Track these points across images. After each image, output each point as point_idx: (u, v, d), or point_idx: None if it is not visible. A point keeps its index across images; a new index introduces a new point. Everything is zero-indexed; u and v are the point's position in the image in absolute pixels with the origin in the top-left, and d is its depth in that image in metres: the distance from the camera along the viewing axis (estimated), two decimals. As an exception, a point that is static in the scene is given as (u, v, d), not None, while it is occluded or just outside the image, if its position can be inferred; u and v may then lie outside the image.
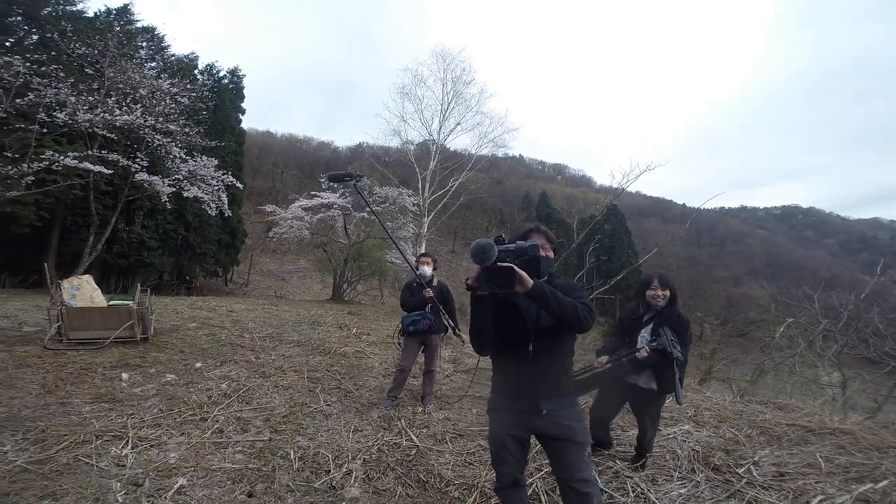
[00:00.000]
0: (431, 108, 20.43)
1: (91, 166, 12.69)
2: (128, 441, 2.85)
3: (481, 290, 1.71)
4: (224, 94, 23.92)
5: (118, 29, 16.26)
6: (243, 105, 26.70)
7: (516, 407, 1.90)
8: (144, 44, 19.04)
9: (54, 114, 12.43)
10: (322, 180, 24.16)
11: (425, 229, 19.36)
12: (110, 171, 13.45)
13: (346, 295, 18.64)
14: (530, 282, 1.64)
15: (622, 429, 3.90)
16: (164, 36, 20.12)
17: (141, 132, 14.36)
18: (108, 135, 13.59)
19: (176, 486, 2.42)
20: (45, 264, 7.14)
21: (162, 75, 16.20)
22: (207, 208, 16.54)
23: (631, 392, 3.08)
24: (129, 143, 15.23)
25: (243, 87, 26.71)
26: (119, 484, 2.37)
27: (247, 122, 27.47)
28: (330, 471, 2.91)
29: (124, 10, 18.48)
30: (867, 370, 11.00)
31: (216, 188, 16.56)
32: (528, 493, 2.64)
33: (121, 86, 14.39)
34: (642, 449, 3.17)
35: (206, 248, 22.04)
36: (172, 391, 3.95)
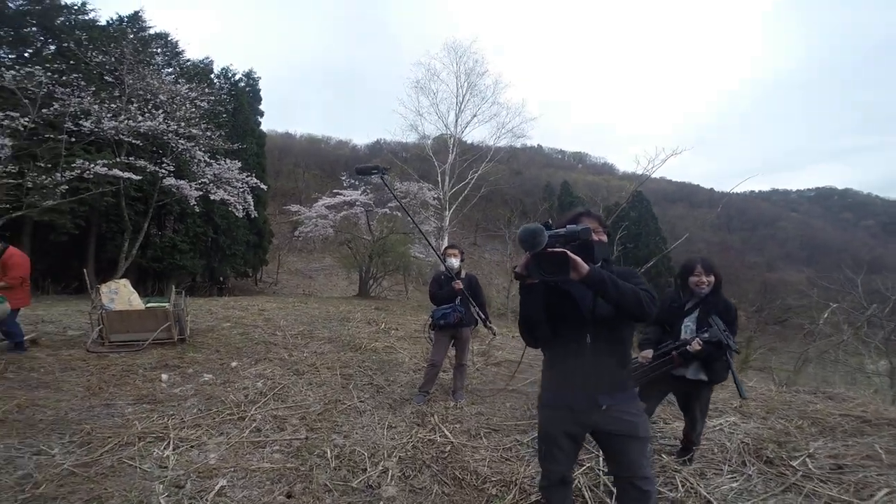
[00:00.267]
0: (447, 102, 20.36)
1: (120, 173, 13.12)
2: (169, 442, 2.90)
3: (531, 278, 1.62)
4: (242, 97, 24.22)
5: (132, 36, 16.68)
6: (261, 107, 27.03)
7: (572, 402, 1.79)
8: (159, 50, 19.35)
9: (80, 122, 12.86)
10: (342, 178, 24.45)
11: (447, 222, 19.31)
12: (139, 178, 13.89)
13: (372, 291, 18.81)
14: (586, 267, 1.52)
15: (664, 421, 3.76)
16: (177, 41, 20.44)
17: (165, 137, 14.74)
18: (133, 141, 14.00)
19: (217, 488, 2.44)
20: (85, 270, 7.40)
21: (179, 80, 16.55)
22: (234, 210, 16.93)
23: (677, 385, 2.92)
24: (154, 148, 15.67)
25: (259, 90, 27.00)
26: (162, 486, 2.41)
27: (266, 125, 27.84)
28: (366, 469, 2.89)
29: (136, 17, 18.77)
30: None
31: (241, 190, 16.92)
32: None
33: (141, 92, 14.78)
34: (689, 442, 3.03)
35: (236, 249, 22.56)
36: (210, 391, 4.02)
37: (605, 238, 1.88)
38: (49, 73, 12.17)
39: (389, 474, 2.87)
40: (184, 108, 15.26)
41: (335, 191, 20.72)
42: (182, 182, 15.19)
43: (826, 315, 10.75)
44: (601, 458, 3.06)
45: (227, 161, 16.95)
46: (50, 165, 12.13)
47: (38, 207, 12.06)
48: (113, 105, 13.50)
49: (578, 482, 2.77)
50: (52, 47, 15.44)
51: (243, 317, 7.89)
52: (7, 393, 3.57)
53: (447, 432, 3.52)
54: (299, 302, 11.81)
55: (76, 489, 2.31)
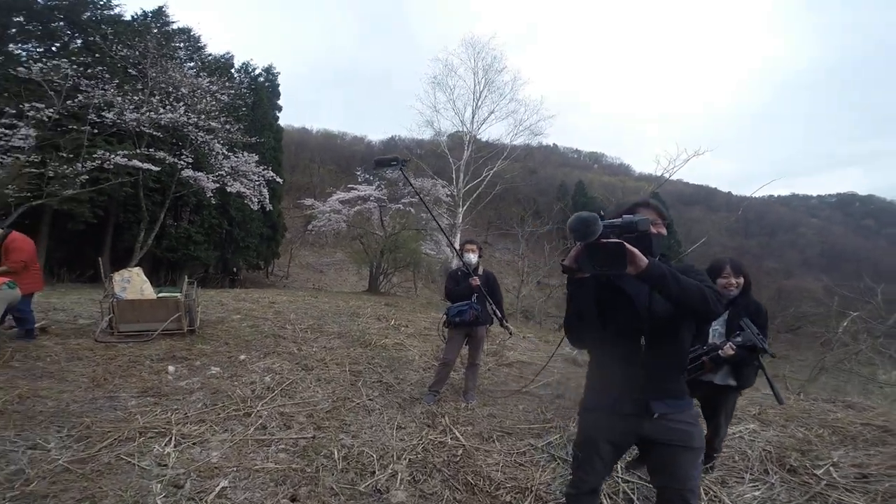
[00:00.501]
0: (463, 98, 20.24)
1: (140, 164, 13.29)
2: (171, 438, 2.80)
3: (582, 271, 1.46)
4: (261, 91, 24.36)
5: (156, 31, 16.90)
6: (279, 102, 27.16)
7: (620, 409, 1.64)
8: (182, 44, 19.56)
9: (103, 114, 13.06)
10: (357, 173, 24.46)
11: (460, 219, 19.19)
12: (158, 169, 14.05)
13: (382, 286, 18.76)
14: (644, 260, 1.37)
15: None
16: (199, 36, 20.68)
17: (185, 130, 14.89)
18: (154, 133, 14.16)
19: (217, 489, 2.32)
20: (100, 259, 7.43)
21: (201, 74, 16.71)
22: (250, 203, 17.04)
23: (703, 390, 2.76)
24: (174, 140, 15.83)
25: (278, 85, 27.11)
26: (159, 486, 2.30)
27: (283, 120, 27.98)
28: (375, 472, 2.76)
29: (159, 13, 19.02)
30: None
31: (257, 183, 17.03)
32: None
33: (163, 85, 14.94)
34: (712, 450, 2.88)
35: (249, 241, 22.73)
36: (217, 384, 3.93)
37: (664, 231, 1.70)
38: (75, 67, 12.42)
39: (398, 478, 2.74)
40: (204, 100, 15.41)
41: (350, 185, 20.73)
42: (200, 174, 15.32)
43: (846, 324, 10.39)
44: (620, 464, 2.93)
45: (245, 154, 17.05)
46: (72, 156, 12.35)
47: (58, 196, 12.25)
48: (135, 97, 13.70)
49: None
50: (79, 41, 15.69)
51: (253, 309, 7.84)
52: (10, 382, 3.50)
53: (458, 435, 3.39)
54: (309, 296, 11.76)
55: (69, 487, 2.21)
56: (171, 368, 4.22)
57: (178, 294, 5.80)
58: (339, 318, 7.94)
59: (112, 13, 16.75)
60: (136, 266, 9.18)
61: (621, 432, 1.67)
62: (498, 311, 4.09)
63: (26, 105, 11.46)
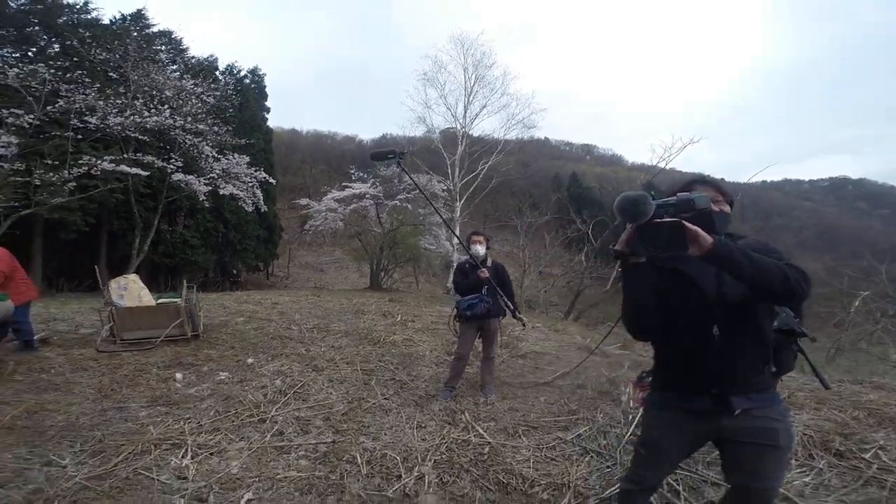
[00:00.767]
0: (455, 94, 20.25)
1: (128, 169, 13.02)
2: (187, 449, 2.67)
3: (636, 255, 1.34)
4: (247, 93, 24.11)
5: (136, 34, 16.57)
6: (267, 104, 26.97)
7: (695, 405, 1.48)
8: (163, 47, 19.25)
9: (86, 119, 12.76)
10: (351, 171, 24.21)
11: (458, 213, 19.12)
12: (147, 173, 13.77)
13: (383, 283, 18.63)
14: (709, 239, 1.22)
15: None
16: (181, 39, 20.34)
17: (172, 133, 14.63)
18: (140, 137, 13.90)
19: (243, 501, 2.21)
20: (97, 267, 7.25)
21: (185, 77, 16.44)
22: (244, 205, 16.83)
23: None
24: (161, 144, 15.56)
25: (265, 86, 26.94)
26: (182, 500, 2.18)
27: (272, 122, 27.81)
28: (401, 476, 2.65)
29: (139, 16, 18.69)
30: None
31: (250, 185, 16.81)
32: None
33: (146, 88, 14.68)
34: None
35: (246, 244, 22.57)
36: (227, 390, 3.81)
37: (727, 209, 1.54)
38: (53, 71, 12.04)
39: (426, 480, 2.63)
40: (190, 103, 15.13)
41: (344, 184, 20.52)
42: (191, 177, 15.07)
43: (857, 303, 10.39)
44: None
45: (236, 156, 16.80)
46: (57, 163, 12.06)
47: (46, 205, 11.99)
48: (118, 101, 13.38)
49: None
50: (56, 46, 15.32)
51: (257, 311, 7.70)
52: (16, 397, 3.36)
53: (482, 431, 3.28)
54: (312, 295, 11.62)
55: (90, 505, 2.09)
56: (178, 375, 4.09)
57: (177, 299, 5.66)
58: (345, 316, 7.81)
59: (89, 17, 16.40)
60: (133, 273, 9.02)
61: (696, 431, 1.54)
62: (510, 303, 3.98)
63: (5, 111, 11.12)
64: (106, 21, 17.38)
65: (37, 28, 14.99)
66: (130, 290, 5.57)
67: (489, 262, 4.06)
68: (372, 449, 2.93)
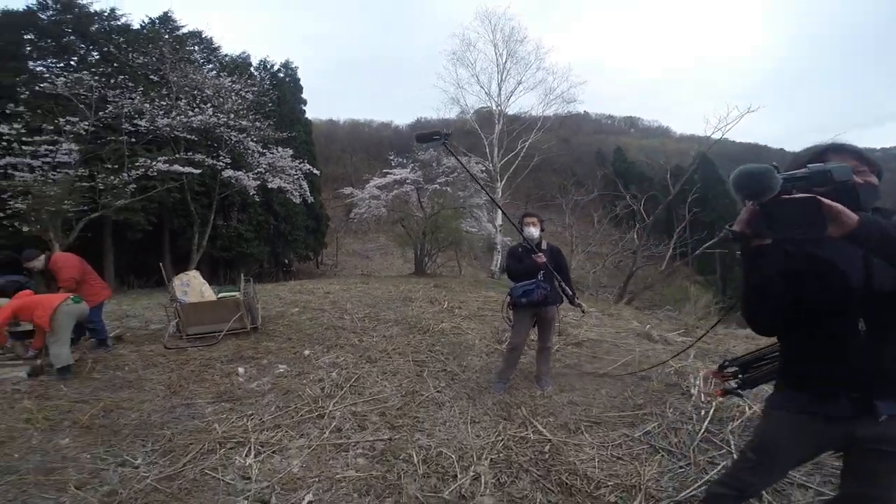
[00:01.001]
0: (487, 72, 19.75)
1: (181, 168, 13.69)
2: (250, 448, 2.75)
3: (760, 237, 1.17)
4: (283, 87, 24.52)
5: (167, 36, 17.10)
6: (303, 96, 27.36)
7: (829, 409, 1.31)
8: (196, 47, 19.74)
9: (136, 122, 13.42)
10: (390, 157, 24.28)
11: (499, 194, 18.77)
12: (199, 171, 14.43)
13: (427, 267, 18.72)
14: (853, 217, 1.02)
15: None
16: (212, 38, 20.85)
17: (217, 131, 15.16)
18: (189, 137, 14.50)
19: (304, 503, 2.23)
20: (161, 264, 7.69)
21: (221, 75, 16.85)
22: (292, 197, 17.34)
23: None
24: (209, 142, 16.19)
25: (299, 79, 27.26)
26: (246, 502, 2.24)
27: (309, 114, 28.26)
28: (457, 475, 2.59)
29: (166, 18, 19.21)
30: None
31: (296, 177, 17.25)
32: None
33: (187, 88, 15.18)
34: None
35: (296, 234, 23.44)
36: (286, 384, 3.91)
37: (874, 180, 1.27)
38: (97, 78, 12.67)
39: (483, 480, 2.56)
40: (230, 100, 15.57)
41: (385, 171, 20.61)
42: (240, 173, 15.66)
43: None
44: (736, 455, 2.62)
45: (279, 149, 17.26)
46: (116, 166, 12.83)
47: (111, 207, 12.85)
48: (163, 103, 13.96)
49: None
50: (95, 54, 16.07)
51: (310, 301, 7.91)
52: (94, 395, 3.61)
53: (540, 427, 3.16)
54: (360, 282, 11.84)
55: (162, 507, 2.19)
56: (240, 370, 4.25)
57: (236, 293, 5.87)
58: (393, 304, 7.87)
59: (119, 23, 17.04)
60: (194, 268, 9.54)
61: (824, 437, 1.35)
62: (567, 288, 3.77)
63: (61, 120, 11.88)
64: (136, 26, 18.10)
65: (72, 37, 15.75)
66: (193, 287, 5.84)
67: (544, 245, 3.84)
68: (427, 447, 2.89)
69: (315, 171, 19.21)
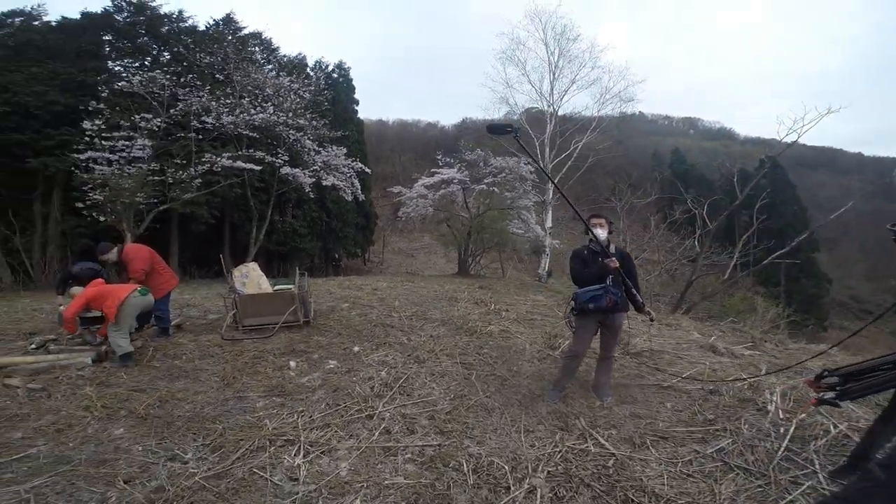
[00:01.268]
0: (538, 70, 19.20)
1: (243, 164, 14.38)
2: (300, 447, 2.72)
3: None
4: (337, 87, 25.23)
5: (230, 37, 17.93)
6: (355, 96, 27.98)
7: None
8: (257, 48, 20.58)
9: (203, 120, 14.22)
10: (438, 157, 24.33)
11: (550, 195, 18.27)
12: (259, 168, 15.09)
13: (471, 268, 18.54)
14: None
15: None
16: (271, 39, 21.68)
17: (277, 129, 15.78)
18: (250, 134, 15.21)
19: (352, 510, 2.15)
20: (221, 256, 8.06)
21: (280, 74, 17.49)
22: (344, 194, 17.77)
23: None
24: (269, 140, 16.89)
25: (352, 80, 27.89)
26: (293, 505, 2.19)
27: (360, 113, 28.87)
28: (510, 487, 2.43)
29: (229, 20, 20.07)
30: None
31: (349, 175, 17.66)
32: None
33: (249, 87, 15.89)
34: None
35: (346, 231, 24.13)
36: (336, 381, 3.89)
37: None
38: (168, 77, 13.55)
39: (538, 494, 2.38)
40: (289, 99, 16.16)
41: (433, 170, 20.64)
42: (297, 170, 16.21)
43: None
44: (822, 475, 2.39)
45: (334, 148, 17.73)
46: (184, 161, 13.67)
47: (179, 200, 13.70)
48: (228, 101, 14.72)
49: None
50: (167, 54, 17.16)
51: (359, 297, 7.99)
52: (151, 384, 3.72)
53: (602, 440, 2.94)
54: (407, 280, 11.90)
55: (207, 506, 2.17)
56: (292, 364, 4.29)
57: (292, 287, 5.97)
58: (439, 303, 7.79)
59: (187, 25, 18.05)
60: (252, 261, 9.92)
61: None
62: (637, 295, 3.49)
63: (137, 117, 12.79)
64: (202, 27, 19.11)
65: (146, 38, 16.92)
66: (251, 278, 5.99)
67: (612, 249, 3.56)
68: (478, 455, 2.75)
69: (367, 170, 19.57)
